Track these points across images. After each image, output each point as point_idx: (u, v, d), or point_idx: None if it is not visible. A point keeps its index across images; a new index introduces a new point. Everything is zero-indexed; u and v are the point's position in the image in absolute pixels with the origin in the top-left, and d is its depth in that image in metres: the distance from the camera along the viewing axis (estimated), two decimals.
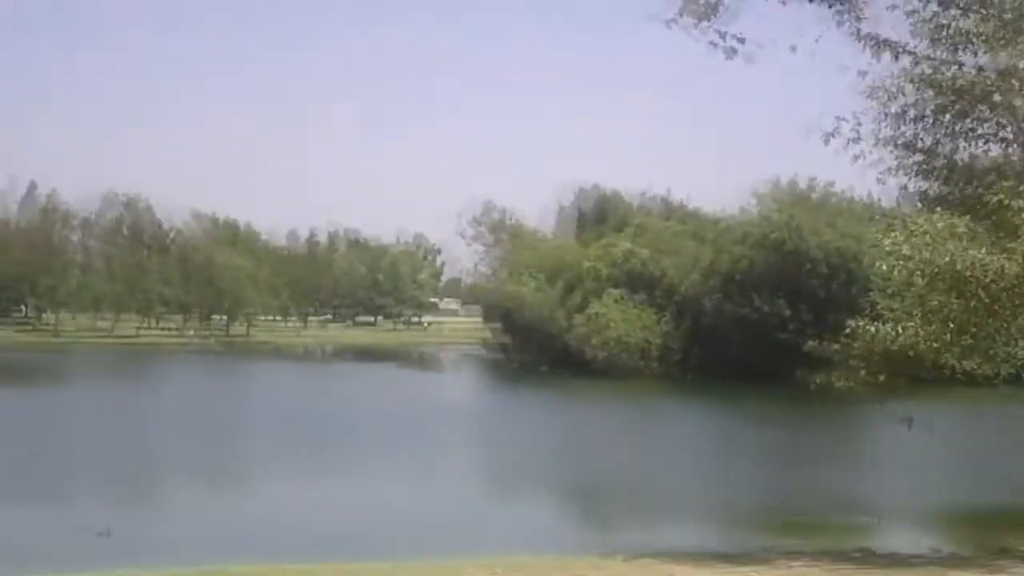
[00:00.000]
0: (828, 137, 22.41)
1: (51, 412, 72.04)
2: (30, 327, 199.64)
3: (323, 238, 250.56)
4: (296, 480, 45.76)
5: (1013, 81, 22.67)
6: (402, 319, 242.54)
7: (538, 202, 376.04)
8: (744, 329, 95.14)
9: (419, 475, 47.51)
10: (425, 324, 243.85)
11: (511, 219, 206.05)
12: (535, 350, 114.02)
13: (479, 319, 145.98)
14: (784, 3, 20.30)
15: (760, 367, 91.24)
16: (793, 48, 20.90)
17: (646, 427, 66.33)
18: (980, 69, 23.53)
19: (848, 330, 28.26)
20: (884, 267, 25.43)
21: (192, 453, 52.63)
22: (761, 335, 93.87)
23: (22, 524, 33.98)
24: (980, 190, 23.91)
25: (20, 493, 40.71)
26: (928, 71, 23.95)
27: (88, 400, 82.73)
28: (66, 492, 41.90)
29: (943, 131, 24.99)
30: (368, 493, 41.56)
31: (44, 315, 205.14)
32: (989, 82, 23.21)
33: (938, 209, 24.47)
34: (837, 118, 22.91)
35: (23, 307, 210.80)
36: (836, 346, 30.23)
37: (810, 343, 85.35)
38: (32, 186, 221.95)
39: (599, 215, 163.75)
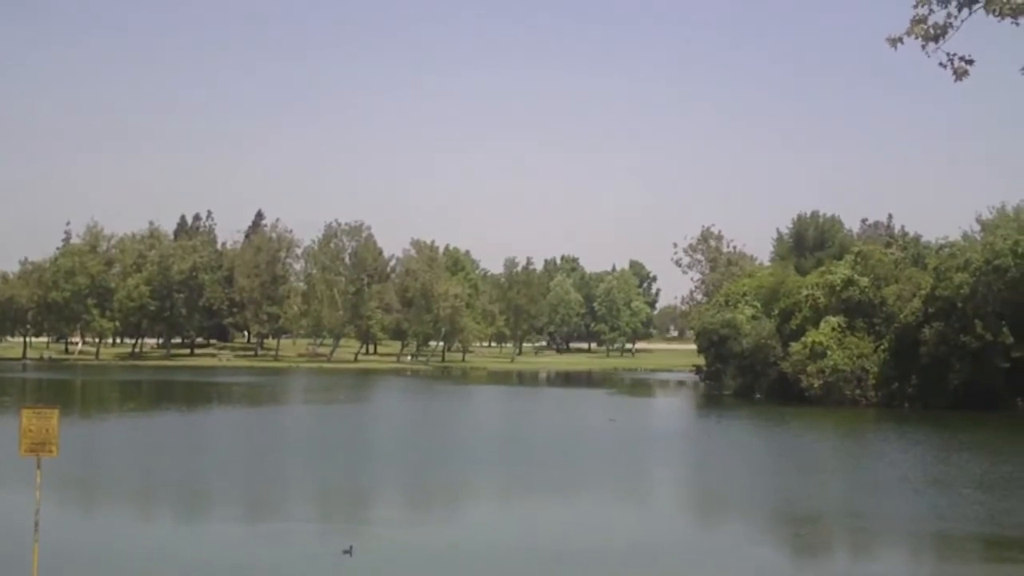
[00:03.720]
0: None
1: (278, 432, 74.35)
2: (252, 352, 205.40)
3: (539, 265, 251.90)
4: (515, 501, 46.37)
5: None
6: (616, 346, 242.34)
7: (754, 228, 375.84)
8: (964, 357, 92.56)
9: (632, 501, 47.43)
10: (632, 351, 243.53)
11: (728, 246, 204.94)
12: (749, 377, 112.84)
13: (692, 346, 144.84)
14: (1008, 19, 19.35)
15: (980, 396, 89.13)
16: None
17: (860, 455, 64.95)
18: None
19: None
20: None
21: (418, 473, 53.61)
22: (982, 363, 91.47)
23: (270, 540, 35.02)
24: None
25: (265, 510, 41.98)
26: None
27: (315, 420, 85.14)
28: (304, 509, 42.99)
29: None
30: (579, 517, 41.67)
31: (266, 340, 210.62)
32: None
33: None
34: None
35: (246, 333, 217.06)
36: None
37: None
38: (258, 216, 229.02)
39: (818, 241, 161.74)
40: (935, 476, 53.10)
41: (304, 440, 68.98)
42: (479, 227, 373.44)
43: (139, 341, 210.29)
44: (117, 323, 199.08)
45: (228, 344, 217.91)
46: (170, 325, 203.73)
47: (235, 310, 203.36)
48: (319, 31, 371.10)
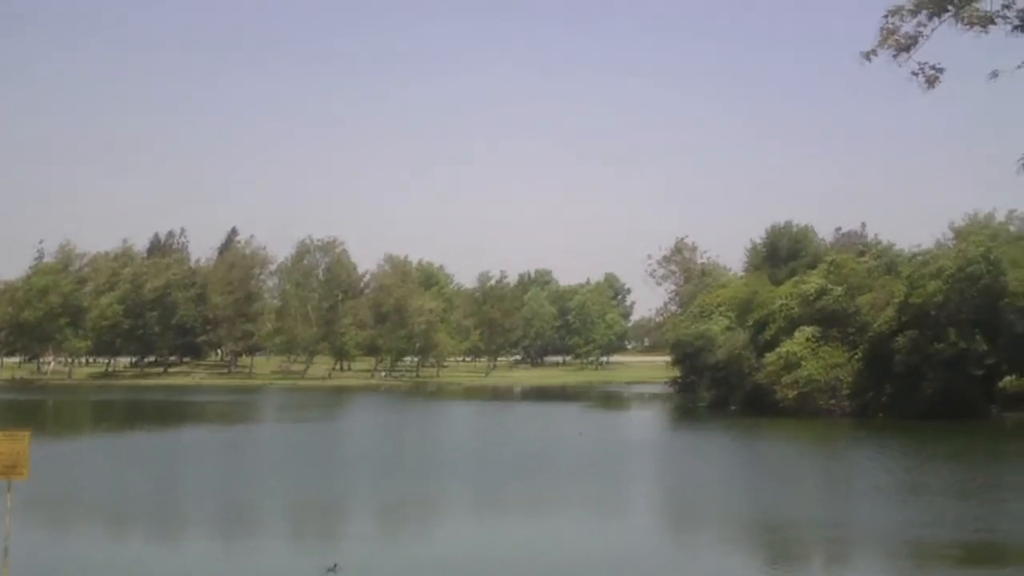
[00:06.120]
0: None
1: (252, 450, 74.13)
2: (226, 370, 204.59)
3: (513, 279, 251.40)
4: (491, 515, 46.27)
5: None
6: (590, 359, 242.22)
7: (728, 240, 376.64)
8: (938, 366, 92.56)
9: (606, 513, 47.37)
10: (606, 364, 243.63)
11: (702, 257, 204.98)
12: (723, 389, 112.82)
13: (666, 358, 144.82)
14: (976, 28, 19.38)
15: (954, 404, 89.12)
16: (994, 74, 19.97)
17: (834, 465, 65.12)
18: None
19: None
20: None
21: (394, 488, 53.29)
22: (956, 371, 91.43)
23: (251, 558, 34.83)
24: None
25: (243, 527, 41.77)
26: None
27: (289, 438, 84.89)
28: (282, 526, 42.82)
29: None
30: (554, 530, 41.65)
31: (240, 358, 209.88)
32: None
33: None
34: None
35: (219, 350, 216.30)
36: None
37: (1006, 379, 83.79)
38: (232, 232, 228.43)
39: (791, 252, 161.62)
40: (908, 484, 53.32)
41: (279, 457, 68.76)
42: (453, 242, 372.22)
43: (111, 360, 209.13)
44: (90, 342, 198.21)
45: (201, 362, 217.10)
46: (143, 344, 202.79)
47: (209, 328, 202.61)
48: (289, 46, 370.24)
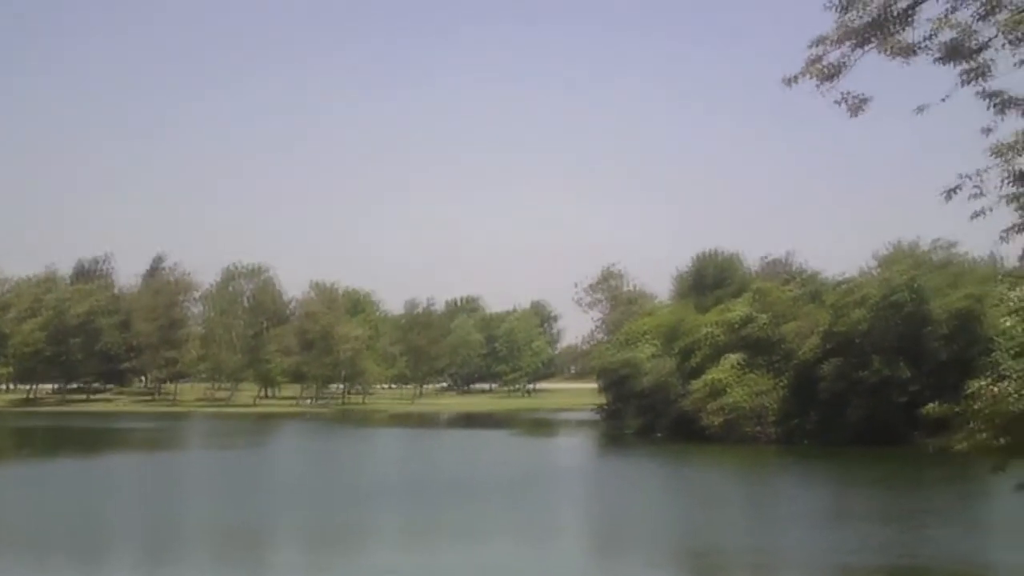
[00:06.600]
0: (949, 193, 21.69)
1: (176, 477, 73.34)
2: (150, 397, 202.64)
3: (441, 306, 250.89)
4: (420, 544, 45.99)
5: None
6: (517, 386, 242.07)
7: (656, 266, 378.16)
8: (862, 393, 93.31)
9: (533, 540, 47.23)
10: (533, 391, 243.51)
11: (629, 285, 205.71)
12: (650, 416, 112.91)
13: (593, 384, 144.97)
14: (899, 59, 19.57)
15: (878, 431, 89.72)
16: (920, 109, 20.18)
17: (760, 491, 65.46)
18: None
19: (968, 391, 27.30)
20: (1008, 324, 24.61)
21: (320, 516, 52.89)
22: (880, 398, 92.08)
23: None
24: None
25: (168, 556, 41.28)
26: None
27: (213, 465, 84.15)
28: (208, 555, 42.37)
29: None
30: (482, 557, 41.52)
31: (164, 385, 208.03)
32: None
33: None
34: (960, 175, 22.14)
35: (143, 377, 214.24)
36: (956, 408, 29.01)
37: (928, 406, 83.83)
38: (157, 259, 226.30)
39: (718, 279, 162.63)
40: (833, 510, 53.76)
41: (205, 485, 68.15)
42: (381, 268, 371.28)
43: (33, 387, 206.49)
44: (11, 369, 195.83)
45: (126, 389, 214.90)
46: (66, 370, 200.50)
47: (133, 354, 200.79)
48: (208, 67, 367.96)
